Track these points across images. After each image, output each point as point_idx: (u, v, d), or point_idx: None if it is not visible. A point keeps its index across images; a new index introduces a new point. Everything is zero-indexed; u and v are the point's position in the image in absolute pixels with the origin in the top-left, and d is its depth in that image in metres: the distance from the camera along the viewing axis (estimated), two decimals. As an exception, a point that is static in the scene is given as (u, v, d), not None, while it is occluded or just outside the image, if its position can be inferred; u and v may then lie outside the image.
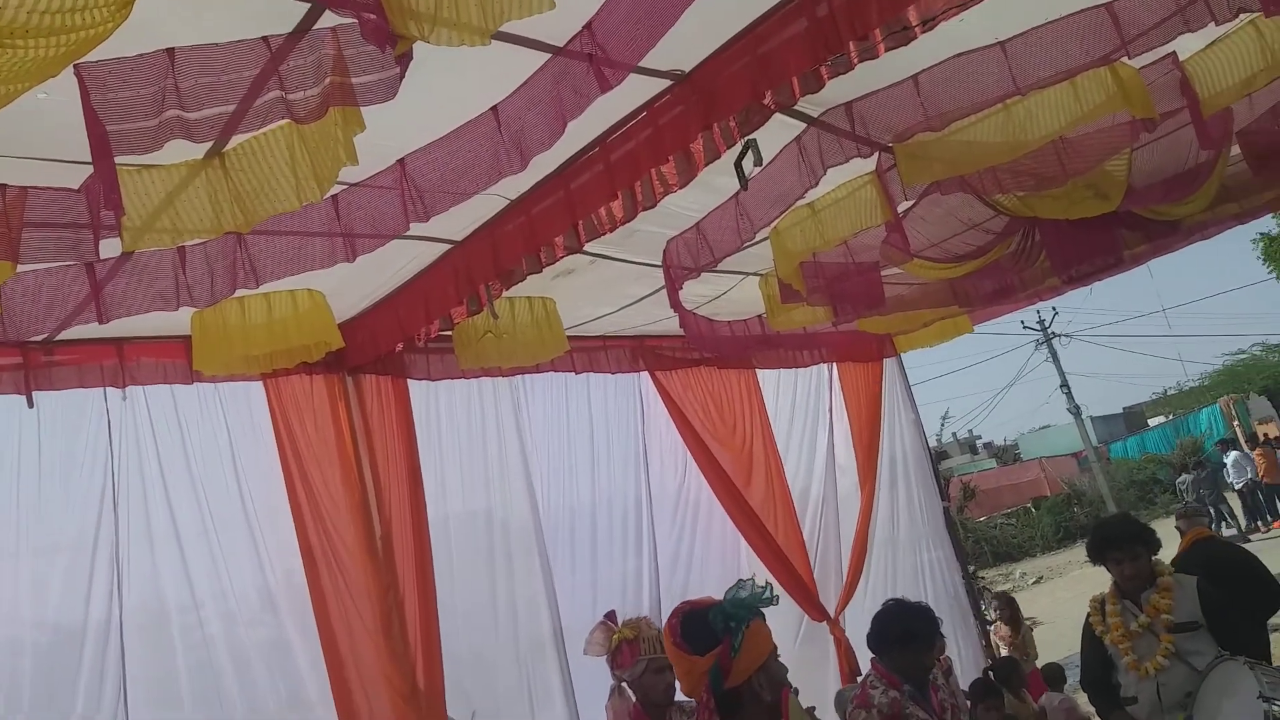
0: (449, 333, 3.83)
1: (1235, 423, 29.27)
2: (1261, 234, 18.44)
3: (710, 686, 2.18)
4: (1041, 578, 19.87)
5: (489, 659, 4.51)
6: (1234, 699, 3.48)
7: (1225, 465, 17.71)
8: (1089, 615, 3.98)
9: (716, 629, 2.16)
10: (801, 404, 6.69)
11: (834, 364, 6.74)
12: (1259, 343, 44.37)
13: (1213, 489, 17.91)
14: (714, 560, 5.72)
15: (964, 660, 7.10)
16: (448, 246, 3.45)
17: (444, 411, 4.58)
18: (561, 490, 5.15)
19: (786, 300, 4.12)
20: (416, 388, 4.28)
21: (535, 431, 5.05)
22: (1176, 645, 3.67)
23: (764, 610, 2.20)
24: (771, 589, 2.25)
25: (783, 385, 6.50)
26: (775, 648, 2.23)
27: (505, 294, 3.40)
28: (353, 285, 3.56)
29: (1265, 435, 21.43)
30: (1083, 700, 4.69)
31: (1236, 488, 16.52)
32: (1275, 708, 3.27)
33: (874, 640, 3.55)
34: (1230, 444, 20.34)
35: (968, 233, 4.25)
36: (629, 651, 3.70)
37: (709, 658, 2.15)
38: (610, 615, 3.86)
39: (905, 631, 3.47)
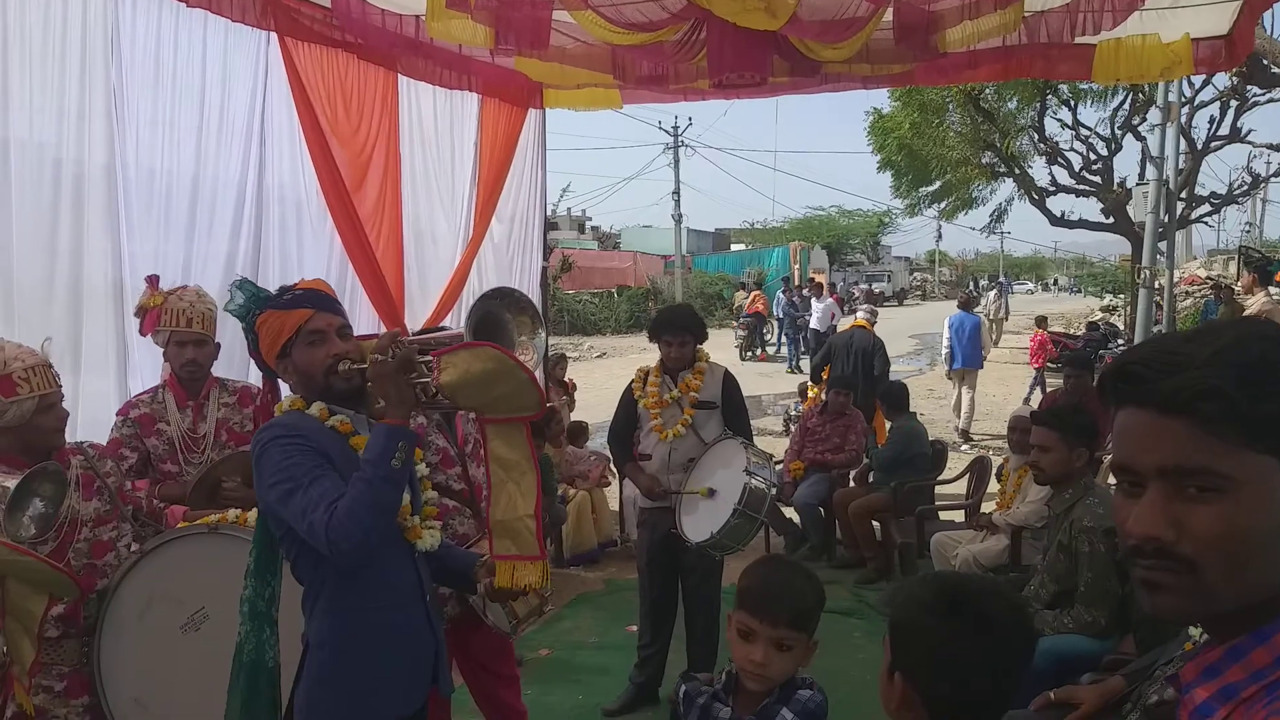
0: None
1: (796, 265, 33.74)
2: (874, 109, 20.67)
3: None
4: (605, 354, 21.89)
5: (39, 300, 4.01)
6: (728, 468, 4.18)
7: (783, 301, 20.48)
8: (632, 381, 4.45)
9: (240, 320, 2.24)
10: (442, 129, 6.48)
11: (481, 97, 6.55)
12: (837, 205, 50.69)
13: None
14: (313, 262, 5.46)
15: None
16: None
17: (12, 9, 3.76)
18: (158, 146, 4.53)
19: (452, 5, 3.87)
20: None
21: (132, 67, 4.32)
22: (694, 419, 4.27)
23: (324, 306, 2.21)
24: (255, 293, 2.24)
25: (422, 102, 6.21)
26: (301, 332, 2.17)
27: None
28: None
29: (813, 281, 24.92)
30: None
31: (813, 326, 17.62)
32: (754, 480, 3.99)
33: None
34: (786, 282, 23.68)
35: (647, 3, 4.25)
36: (150, 319, 3.52)
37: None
38: (152, 279, 3.59)
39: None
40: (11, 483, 2.34)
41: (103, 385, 4.35)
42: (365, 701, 2.13)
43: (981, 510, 5.59)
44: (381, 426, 2.07)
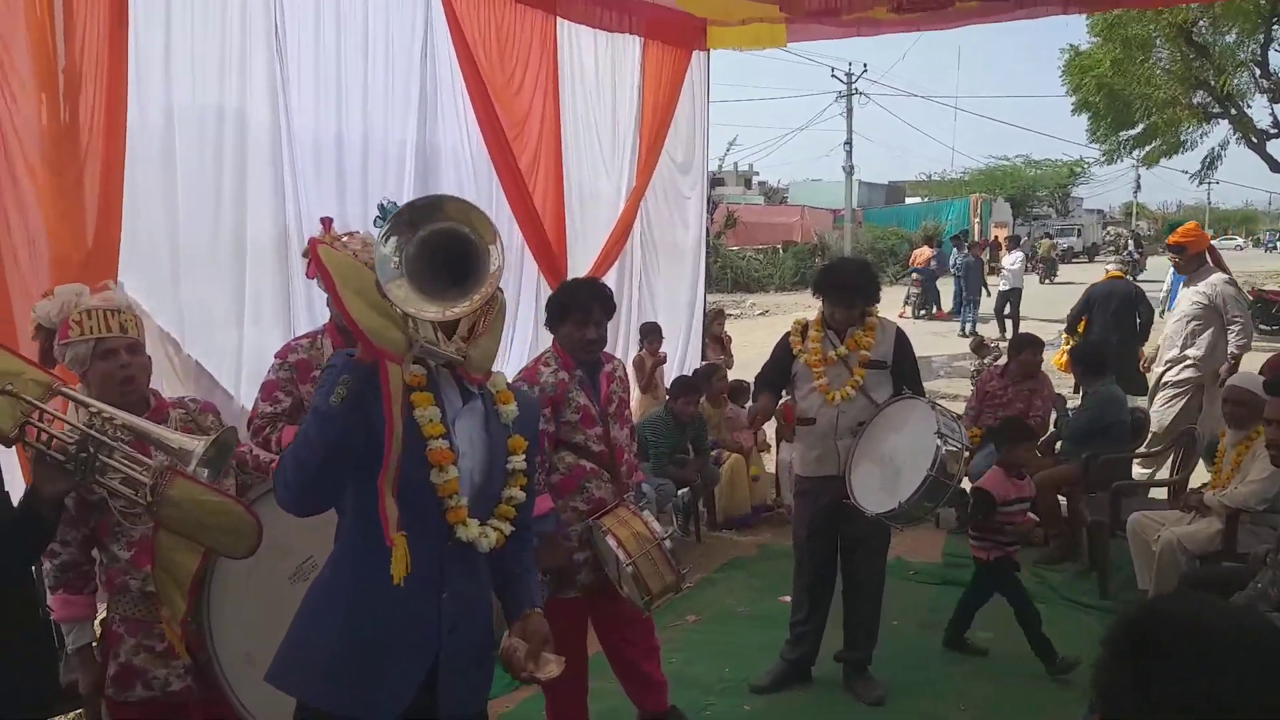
0: None
1: (977, 219, 31.92)
2: (1070, 45, 18.98)
3: None
4: (768, 311, 21.42)
5: (203, 257, 4.11)
6: (903, 432, 3.78)
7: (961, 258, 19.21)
8: (789, 333, 4.06)
9: None
10: (603, 75, 6.30)
11: (642, 40, 6.30)
12: (1024, 154, 47.56)
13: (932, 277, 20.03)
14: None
15: (687, 362, 7.56)
16: None
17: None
18: (325, 107, 4.56)
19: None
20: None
21: (293, 22, 4.33)
22: (865, 380, 3.88)
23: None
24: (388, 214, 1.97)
25: (583, 46, 6.02)
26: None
27: None
28: None
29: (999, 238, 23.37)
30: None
31: (1002, 288, 16.77)
32: (949, 445, 3.58)
33: (546, 314, 3.47)
34: (964, 238, 22.28)
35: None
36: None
37: None
38: (326, 220, 3.49)
39: (562, 304, 3.36)
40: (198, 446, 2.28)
41: (269, 339, 4.44)
42: (314, 684, 1.89)
43: (1190, 488, 4.96)
44: (342, 358, 1.82)
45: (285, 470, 1.81)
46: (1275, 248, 54.84)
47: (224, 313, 4.27)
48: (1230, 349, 6.02)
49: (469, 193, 5.31)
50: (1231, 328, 6.06)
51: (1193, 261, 6.34)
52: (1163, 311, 12.62)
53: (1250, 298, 17.52)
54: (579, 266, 5.99)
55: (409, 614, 1.91)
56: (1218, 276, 6.24)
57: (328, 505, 1.90)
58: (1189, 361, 6.19)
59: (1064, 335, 9.48)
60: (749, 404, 7.12)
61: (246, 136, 4.20)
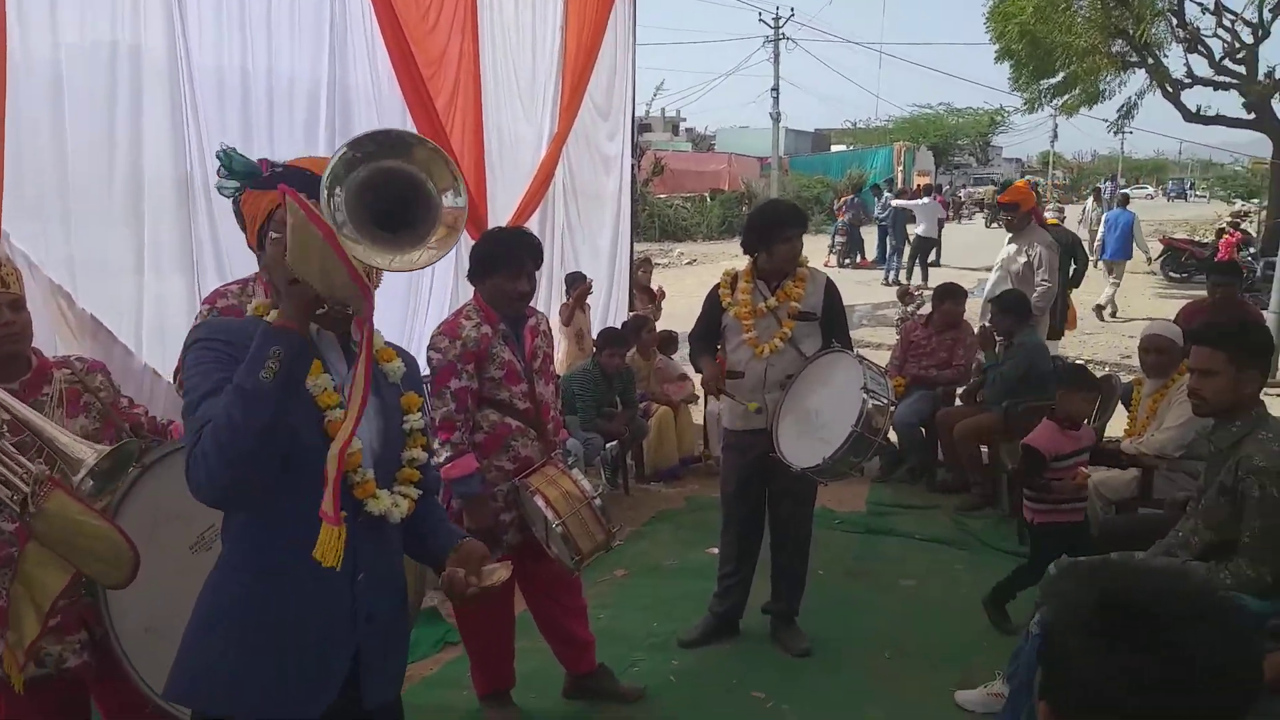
0: None
1: (900, 167, 32.25)
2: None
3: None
4: (695, 260, 21.37)
5: (97, 203, 3.82)
6: (830, 386, 3.74)
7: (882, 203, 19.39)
8: (718, 285, 3.98)
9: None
10: (523, 16, 6.06)
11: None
12: (946, 103, 48.03)
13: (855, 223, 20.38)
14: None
15: (613, 313, 7.45)
16: None
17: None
18: (229, 40, 4.26)
19: None
20: None
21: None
22: (794, 332, 3.81)
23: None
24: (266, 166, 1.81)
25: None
26: (277, 216, 1.71)
27: None
28: None
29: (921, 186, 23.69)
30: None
31: (918, 232, 17.26)
32: (874, 400, 3.54)
33: (469, 267, 3.32)
34: (886, 187, 22.51)
35: None
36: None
37: None
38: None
39: (488, 255, 3.22)
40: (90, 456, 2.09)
41: (173, 288, 4.20)
42: (220, 694, 1.72)
43: (1107, 437, 5.07)
44: (264, 326, 1.61)
45: (205, 458, 1.55)
46: (1181, 196, 56.82)
47: (121, 261, 3.99)
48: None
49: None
50: (1039, 289, 6.35)
51: (1022, 220, 6.59)
52: (1097, 261, 13.97)
53: (1161, 246, 18.12)
54: (499, 215, 5.80)
55: (321, 604, 1.74)
56: (1042, 237, 6.58)
57: (254, 493, 1.66)
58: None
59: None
60: (675, 356, 7.12)
61: (142, 72, 3.91)
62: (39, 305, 3.40)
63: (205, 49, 4.16)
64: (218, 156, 1.83)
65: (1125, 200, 16.21)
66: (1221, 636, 0.98)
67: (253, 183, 1.82)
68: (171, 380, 3.60)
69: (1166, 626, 0.98)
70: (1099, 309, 13.43)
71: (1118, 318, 13.41)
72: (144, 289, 4.07)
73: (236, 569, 1.74)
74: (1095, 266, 13.94)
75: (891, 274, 17.52)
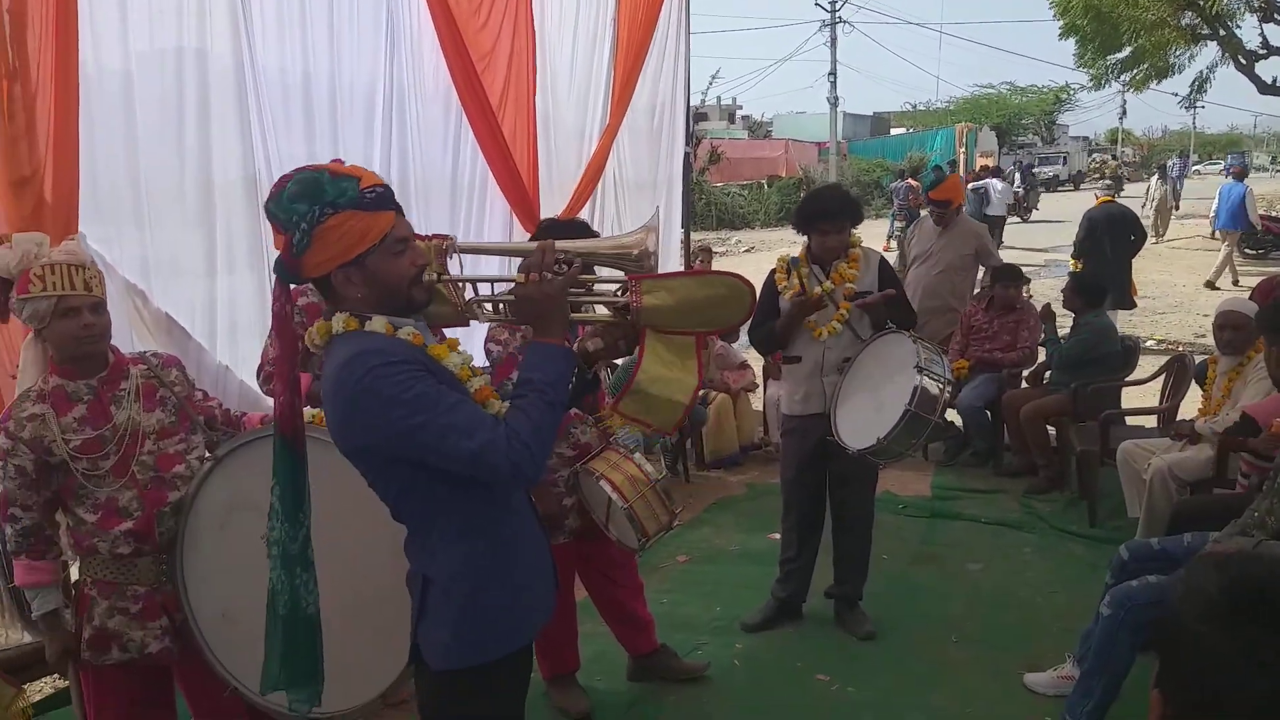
0: None
1: (962, 148, 31.59)
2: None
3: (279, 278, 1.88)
4: (753, 248, 21.27)
5: (169, 206, 3.96)
6: (885, 367, 3.71)
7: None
8: (774, 271, 3.97)
9: (280, 221, 1.77)
10: (579, 5, 6.09)
11: (614, -31, 6.08)
12: (1009, 82, 46.86)
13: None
14: (441, 160, 5.25)
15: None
16: None
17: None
18: (291, 45, 4.37)
19: None
20: None
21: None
22: (850, 314, 3.81)
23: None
24: (365, 188, 1.78)
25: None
26: (387, 239, 1.80)
27: None
28: None
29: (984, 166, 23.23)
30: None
31: (991, 213, 17.04)
32: (925, 379, 3.51)
33: None
34: (950, 168, 22.08)
35: None
36: None
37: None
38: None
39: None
40: None
41: (245, 287, 4.32)
42: (515, 622, 2.01)
43: (1180, 417, 4.93)
44: (554, 349, 1.91)
45: (532, 451, 1.80)
46: (1197, 174, 49.55)
47: (193, 261, 4.13)
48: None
49: (436, 130, 5.17)
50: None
51: (953, 214, 6.83)
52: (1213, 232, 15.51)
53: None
54: (553, 207, 5.84)
55: (533, 533, 2.08)
56: (977, 229, 7.02)
57: None
58: (957, 314, 6.58)
59: (1072, 261, 9.94)
60: (735, 344, 7.10)
61: (209, 77, 4.03)
62: (115, 305, 3.51)
63: (269, 53, 4.28)
64: (290, 185, 1.79)
65: (1243, 173, 16.61)
66: None
67: (355, 203, 1.79)
68: (255, 376, 3.74)
69: None
70: (1209, 284, 13.83)
71: (1218, 287, 13.62)
72: (216, 288, 4.20)
73: (483, 534, 1.95)
74: (1212, 238, 15.38)
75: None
